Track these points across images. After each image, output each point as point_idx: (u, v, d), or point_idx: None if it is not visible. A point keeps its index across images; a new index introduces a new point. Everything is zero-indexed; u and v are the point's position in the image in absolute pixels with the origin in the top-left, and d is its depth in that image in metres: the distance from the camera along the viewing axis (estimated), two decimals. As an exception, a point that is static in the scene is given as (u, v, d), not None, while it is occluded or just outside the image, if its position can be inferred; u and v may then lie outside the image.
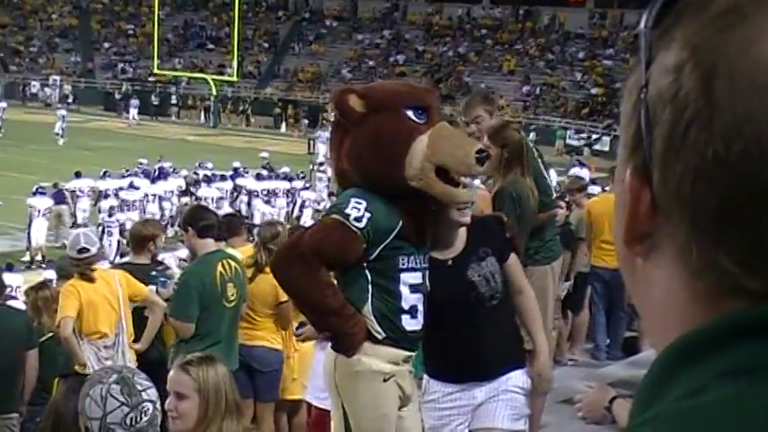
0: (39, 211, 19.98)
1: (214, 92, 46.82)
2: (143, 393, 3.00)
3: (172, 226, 21.70)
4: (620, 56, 45.41)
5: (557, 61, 48.84)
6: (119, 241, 19.31)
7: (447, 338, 4.08)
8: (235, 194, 23.86)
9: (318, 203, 22.87)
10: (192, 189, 23.52)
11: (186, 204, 21.79)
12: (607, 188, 11.99)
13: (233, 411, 3.37)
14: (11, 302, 8.71)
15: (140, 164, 25.48)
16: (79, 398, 3.03)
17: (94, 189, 22.07)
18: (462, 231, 4.11)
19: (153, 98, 48.29)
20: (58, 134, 36.46)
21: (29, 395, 6.68)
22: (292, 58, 54.07)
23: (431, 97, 3.86)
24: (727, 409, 0.64)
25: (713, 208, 0.67)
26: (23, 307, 7.70)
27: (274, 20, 57.67)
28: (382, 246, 3.63)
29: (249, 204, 22.92)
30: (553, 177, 8.86)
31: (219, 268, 6.13)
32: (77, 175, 22.65)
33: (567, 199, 8.90)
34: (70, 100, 49.33)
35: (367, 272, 3.66)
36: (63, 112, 38.03)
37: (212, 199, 22.11)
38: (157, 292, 6.79)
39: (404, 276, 3.70)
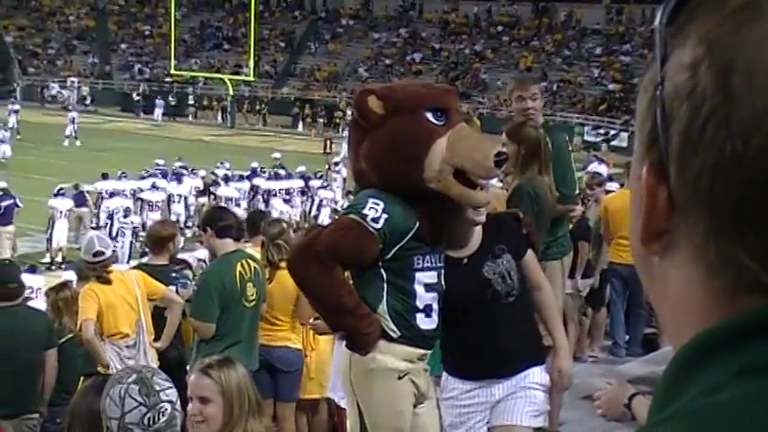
0: (60, 213, 20.10)
1: (231, 92, 46.91)
2: (161, 394, 3.01)
3: (189, 227, 21.81)
4: (637, 51, 45.21)
5: (573, 57, 48.69)
6: (131, 243, 19.40)
7: (464, 336, 4.07)
8: (252, 194, 23.91)
9: (336, 202, 22.91)
10: (211, 189, 23.58)
11: (204, 205, 21.92)
12: (624, 184, 11.95)
13: (255, 411, 3.38)
14: (31, 303, 8.78)
15: (158, 165, 25.53)
16: (101, 398, 3.05)
17: (116, 191, 22.16)
18: (478, 229, 4.11)
19: (170, 98, 48.43)
20: (68, 136, 36.51)
21: (48, 395, 6.73)
22: (309, 57, 54.11)
23: (450, 98, 3.85)
24: (745, 407, 0.64)
25: (731, 204, 0.67)
26: (44, 308, 7.75)
27: (290, 19, 57.73)
28: (398, 246, 3.63)
29: (267, 204, 22.97)
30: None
31: (239, 268, 6.15)
32: (104, 176, 22.76)
33: (583, 195, 8.88)
34: (88, 101, 49.56)
35: (382, 271, 3.66)
36: (74, 114, 38.13)
37: (233, 199, 22.18)
38: (177, 293, 6.82)
39: (419, 276, 3.71)
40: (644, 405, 3.17)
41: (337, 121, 42.96)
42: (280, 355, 6.58)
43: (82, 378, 6.51)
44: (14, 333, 6.44)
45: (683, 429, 0.65)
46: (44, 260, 19.24)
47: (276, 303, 6.55)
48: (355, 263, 3.65)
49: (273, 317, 6.60)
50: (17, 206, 19.80)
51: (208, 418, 3.32)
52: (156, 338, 6.66)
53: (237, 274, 6.14)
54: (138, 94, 49.69)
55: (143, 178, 23.81)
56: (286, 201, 23.25)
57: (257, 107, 48.04)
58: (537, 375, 4.19)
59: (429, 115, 3.65)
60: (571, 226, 6.69)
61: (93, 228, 19.83)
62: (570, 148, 5.86)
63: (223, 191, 22.98)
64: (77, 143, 35.98)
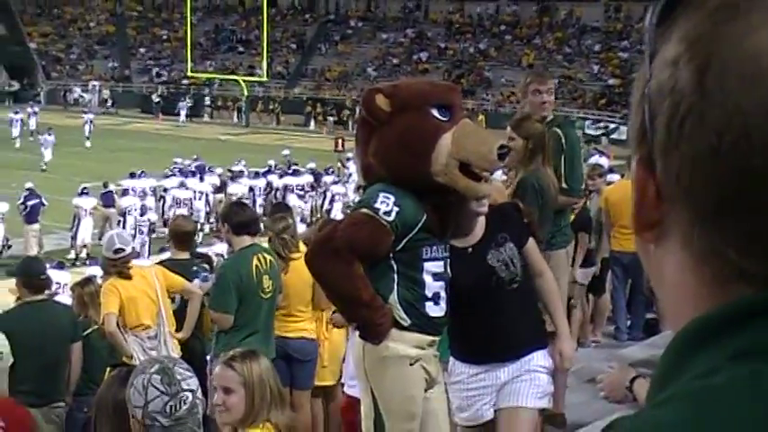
0: (85, 211, 20.17)
1: (245, 92, 46.97)
2: (183, 383, 3.02)
3: (210, 223, 21.88)
4: (635, 47, 45.09)
5: (574, 54, 48.61)
6: (149, 240, 19.46)
7: (471, 322, 4.08)
8: (269, 190, 23.98)
9: (347, 196, 22.96)
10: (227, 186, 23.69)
11: (221, 201, 21.98)
12: (625, 175, 11.94)
13: (278, 402, 3.45)
14: (57, 298, 8.84)
15: (175, 163, 25.57)
16: (126, 388, 3.07)
17: (129, 189, 22.19)
18: (481, 220, 4.13)
19: (187, 100, 48.52)
20: (88, 137, 36.62)
21: (74, 386, 6.78)
22: (319, 58, 54.14)
23: (454, 95, 3.87)
24: (739, 389, 0.64)
25: (710, 197, 0.67)
26: (69, 302, 7.79)
27: (301, 22, 57.76)
28: (408, 238, 3.64)
29: (284, 199, 23.02)
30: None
31: (255, 261, 6.16)
32: (132, 175, 22.84)
33: (585, 186, 8.86)
34: (109, 104, 49.69)
35: (393, 262, 3.66)
36: (90, 116, 38.23)
37: (242, 196, 22.25)
38: (199, 286, 6.88)
39: (427, 265, 3.71)
40: (645, 387, 3.16)
41: (345, 118, 42.99)
42: (298, 346, 6.59)
43: (108, 369, 6.55)
44: (43, 327, 6.48)
45: (681, 410, 0.65)
46: (69, 256, 19.32)
47: (292, 294, 6.56)
48: (371, 255, 3.65)
49: (290, 308, 6.61)
50: (43, 205, 19.88)
51: (230, 408, 3.44)
52: (178, 329, 6.69)
53: (254, 267, 6.15)
54: (157, 96, 49.79)
55: (167, 177, 23.89)
56: (300, 196, 23.32)
57: (271, 107, 48.11)
58: (540, 358, 4.20)
59: (434, 112, 3.65)
60: (572, 217, 6.68)
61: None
62: (581, 144, 5.84)
63: (233, 188, 23.04)
64: (87, 143, 35.90)
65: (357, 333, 3.80)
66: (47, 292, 7.05)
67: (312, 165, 25.90)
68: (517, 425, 4.14)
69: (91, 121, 37.39)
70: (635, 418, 0.69)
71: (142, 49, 58.05)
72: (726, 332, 0.67)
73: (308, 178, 24.48)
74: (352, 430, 5.22)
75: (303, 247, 6.62)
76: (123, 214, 20.32)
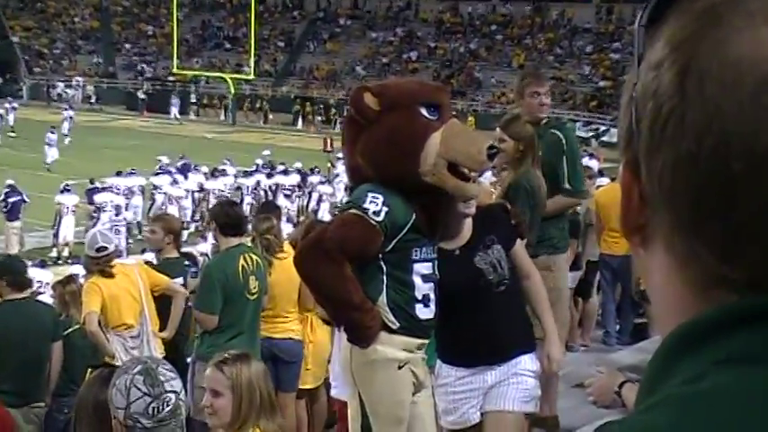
0: (67, 209, 20.10)
1: (232, 90, 46.89)
2: (166, 384, 3.01)
3: (196, 221, 21.85)
4: (627, 49, 45.18)
5: (565, 55, 48.72)
6: (127, 240, 19.41)
7: (458, 325, 4.09)
8: (257, 190, 23.98)
9: (335, 197, 22.97)
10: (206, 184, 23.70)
11: (204, 199, 21.99)
12: (615, 178, 11.97)
13: (268, 410, 3.43)
14: (40, 297, 8.81)
15: (161, 162, 25.49)
16: (108, 388, 3.06)
17: (106, 187, 22.11)
18: (468, 221, 4.13)
19: (173, 97, 48.43)
20: (66, 135, 36.29)
21: (54, 385, 6.76)
22: (308, 56, 54.09)
23: (442, 95, 3.87)
24: (724, 394, 0.65)
25: (689, 201, 0.68)
26: (51, 301, 7.77)
27: (290, 19, 57.68)
28: (397, 238, 3.64)
29: (275, 198, 23.01)
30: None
31: (242, 261, 6.16)
32: (119, 173, 22.78)
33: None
34: (93, 100, 49.51)
35: (382, 264, 3.66)
36: (71, 112, 37.95)
37: (231, 194, 22.22)
38: (185, 283, 6.90)
39: (416, 267, 3.71)
40: (634, 392, 3.17)
41: (333, 118, 42.98)
42: (286, 347, 6.60)
43: (90, 369, 6.54)
44: (24, 326, 6.47)
45: (668, 415, 0.66)
46: (51, 254, 19.24)
47: (279, 295, 6.56)
48: (361, 256, 3.64)
49: (276, 309, 6.61)
50: (24, 202, 19.80)
51: (218, 410, 3.46)
52: (162, 328, 6.68)
53: (240, 267, 6.14)
54: (142, 93, 49.65)
55: (156, 174, 23.85)
56: (287, 196, 23.32)
57: (258, 105, 48.04)
58: (528, 362, 4.21)
59: (423, 111, 3.66)
60: None
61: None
62: (577, 145, 5.84)
63: (211, 184, 23.05)
64: (66, 141, 35.72)
65: (345, 336, 3.79)
66: (29, 290, 7.03)
67: (298, 165, 25.90)
68: (503, 428, 4.15)
69: (71, 118, 37.14)
70: (623, 422, 0.69)
71: (127, 45, 57.86)
72: (711, 338, 0.68)
73: (296, 178, 24.50)
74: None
75: (289, 248, 6.64)
76: (97, 210, 20.28)
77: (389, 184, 3.63)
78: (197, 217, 22.44)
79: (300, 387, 6.84)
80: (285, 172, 24.94)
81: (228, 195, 21.89)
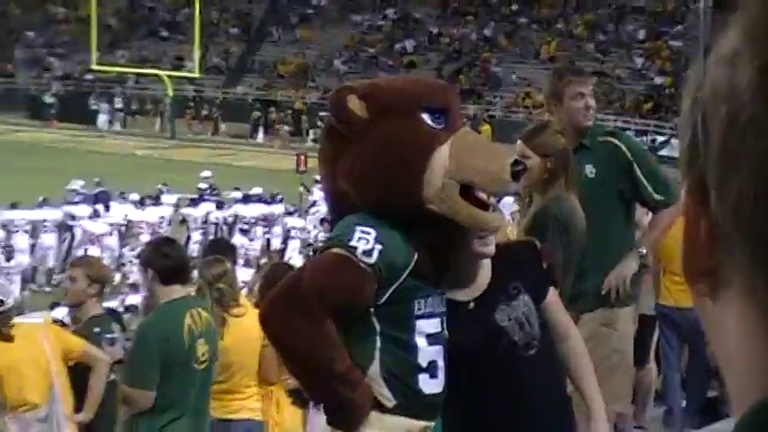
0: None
1: (170, 92, 46.93)
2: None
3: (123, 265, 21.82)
4: (691, 34, 45.48)
5: (610, 43, 48.94)
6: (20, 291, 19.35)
7: (473, 402, 4.09)
8: (206, 224, 23.97)
9: (307, 232, 22.99)
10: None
11: (133, 236, 21.96)
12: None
13: None
14: None
15: (74, 189, 25.28)
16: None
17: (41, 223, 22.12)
18: (486, 264, 4.14)
19: (92, 102, 48.43)
20: None
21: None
22: (271, 47, 54.22)
23: (450, 97, 3.89)
24: None
25: None
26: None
27: (246, -1, 57.95)
28: (394, 286, 3.62)
29: (230, 234, 22.98)
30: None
31: (188, 321, 6.14)
32: (13, 206, 22.74)
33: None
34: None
35: (374, 320, 3.65)
36: None
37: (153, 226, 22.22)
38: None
39: (420, 324, 3.70)
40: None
41: (303, 127, 43.08)
42: (242, 430, 6.60)
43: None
44: None
45: None
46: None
47: (234, 364, 6.56)
48: (347, 311, 3.62)
49: (231, 382, 6.61)
50: None
51: None
52: (78, 409, 6.66)
53: (186, 328, 6.13)
54: (51, 96, 49.63)
55: (69, 203, 23.80)
56: (245, 231, 23.27)
57: (205, 112, 48.07)
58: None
59: (426, 117, 3.67)
60: None
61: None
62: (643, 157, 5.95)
63: (139, 214, 23.06)
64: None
65: (323, 417, 3.79)
66: None
67: (258, 190, 25.89)
68: None
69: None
70: None
71: (30, 33, 57.95)
72: None
73: (258, 208, 24.48)
74: None
75: (247, 302, 6.64)
76: None
77: (383, 215, 3.62)
78: (124, 260, 22.40)
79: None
80: (245, 200, 24.93)
81: (166, 231, 21.88)
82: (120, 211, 23.90)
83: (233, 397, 6.63)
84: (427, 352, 3.72)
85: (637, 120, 42.11)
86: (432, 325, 3.74)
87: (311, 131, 43.18)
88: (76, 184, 25.59)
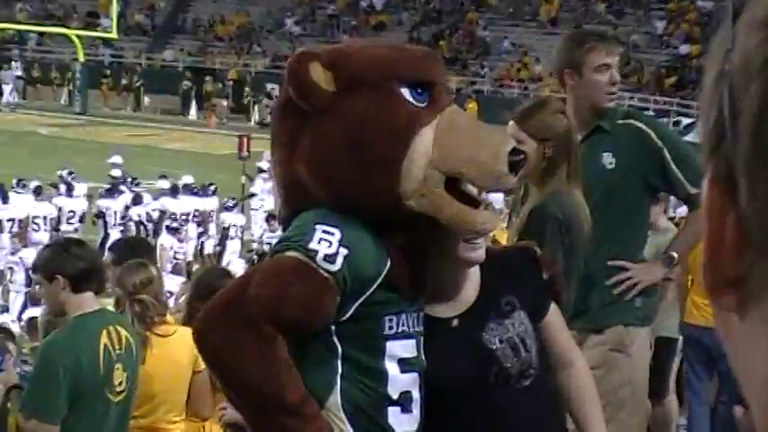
0: None
1: (81, 57, 46.81)
2: None
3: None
4: (723, -6, 45.80)
5: (624, 3, 49.16)
6: None
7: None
8: (124, 220, 23.94)
9: (251, 232, 23.00)
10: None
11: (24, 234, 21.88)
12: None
13: None
14: None
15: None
16: None
17: None
18: (474, 274, 4.15)
19: (14, 66, 48.40)
20: None
21: None
22: (206, 2, 54.18)
23: (434, 66, 3.89)
24: None
25: None
26: None
27: (177, -58, 57.90)
28: (361, 300, 3.63)
29: (154, 234, 22.95)
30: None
31: (104, 339, 6.13)
32: None
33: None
34: None
35: (335, 340, 3.66)
36: None
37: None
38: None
39: (391, 346, 3.71)
40: None
41: (246, 102, 43.04)
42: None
43: None
44: None
45: None
46: None
47: (158, 394, 6.57)
48: (303, 328, 3.64)
49: (155, 415, 6.62)
50: None
51: None
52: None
53: (102, 348, 6.12)
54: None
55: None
56: (173, 230, 23.22)
57: (125, 81, 47.99)
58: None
59: (405, 92, 3.67)
60: None
61: None
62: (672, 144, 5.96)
63: (45, 209, 23.01)
64: None
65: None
66: None
67: (189, 179, 25.85)
68: None
69: None
70: None
71: None
72: None
73: (189, 202, 24.44)
74: None
75: (171, 318, 6.64)
76: None
77: (350, 212, 3.64)
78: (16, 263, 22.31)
79: None
80: (173, 191, 24.87)
81: (75, 229, 21.83)
82: (17, 203, 23.76)
83: (154, 429, 6.64)
84: (399, 381, 3.74)
85: (657, 97, 42.37)
86: (405, 347, 3.76)
87: (256, 107, 43.29)
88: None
